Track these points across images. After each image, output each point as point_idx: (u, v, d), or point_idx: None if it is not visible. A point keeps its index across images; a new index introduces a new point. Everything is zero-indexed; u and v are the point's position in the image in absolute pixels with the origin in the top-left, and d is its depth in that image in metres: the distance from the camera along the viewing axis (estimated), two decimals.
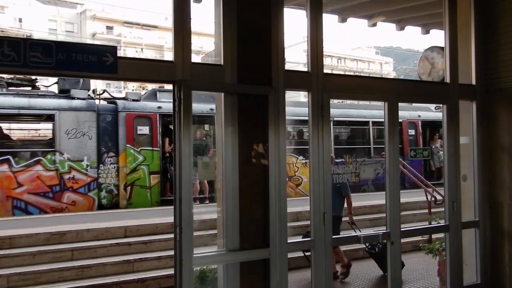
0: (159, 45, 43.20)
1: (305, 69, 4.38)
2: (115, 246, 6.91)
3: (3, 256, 6.25)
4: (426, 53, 5.90)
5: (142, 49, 42.99)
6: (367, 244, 6.77)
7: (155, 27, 44.54)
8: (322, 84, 4.25)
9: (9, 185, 9.09)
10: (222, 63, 3.84)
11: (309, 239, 4.24)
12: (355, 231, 6.51)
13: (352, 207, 6.76)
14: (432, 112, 14.57)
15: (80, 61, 3.31)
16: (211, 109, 10.85)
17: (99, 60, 3.36)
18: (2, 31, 38.30)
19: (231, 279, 3.82)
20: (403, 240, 4.64)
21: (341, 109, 13.42)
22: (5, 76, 9.94)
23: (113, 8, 43.01)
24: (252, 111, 3.94)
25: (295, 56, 26.15)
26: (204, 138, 11.02)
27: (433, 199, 7.75)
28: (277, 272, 3.89)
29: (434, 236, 6.52)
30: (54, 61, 3.21)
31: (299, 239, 5.62)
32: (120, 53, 3.25)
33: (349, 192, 6.66)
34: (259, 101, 3.96)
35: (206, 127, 11.72)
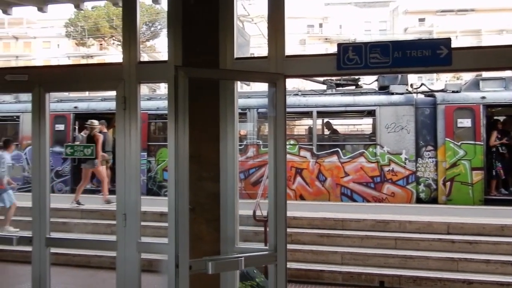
0: (476, 30, 39.55)
1: None
2: (437, 241, 6.78)
3: (338, 236, 7.15)
4: None
5: (456, 36, 40.27)
6: None
7: (472, 10, 40.94)
8: None
9: (338, 174, 10.33)
10: None
11: None
12: None
13: None
14: None
15: (414, 56, 3.44)
16: None
17: (432, 54, 3.41)
18: (326, 38, 43.78)
19: None
20: None
21: None
22: (333, 78, 11.29)
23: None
24: None
25: None
26: None
27: None
28: None
29: None
30: (391, 59, 3.45)
31: None
32: None
33: None
34: None
35: None
